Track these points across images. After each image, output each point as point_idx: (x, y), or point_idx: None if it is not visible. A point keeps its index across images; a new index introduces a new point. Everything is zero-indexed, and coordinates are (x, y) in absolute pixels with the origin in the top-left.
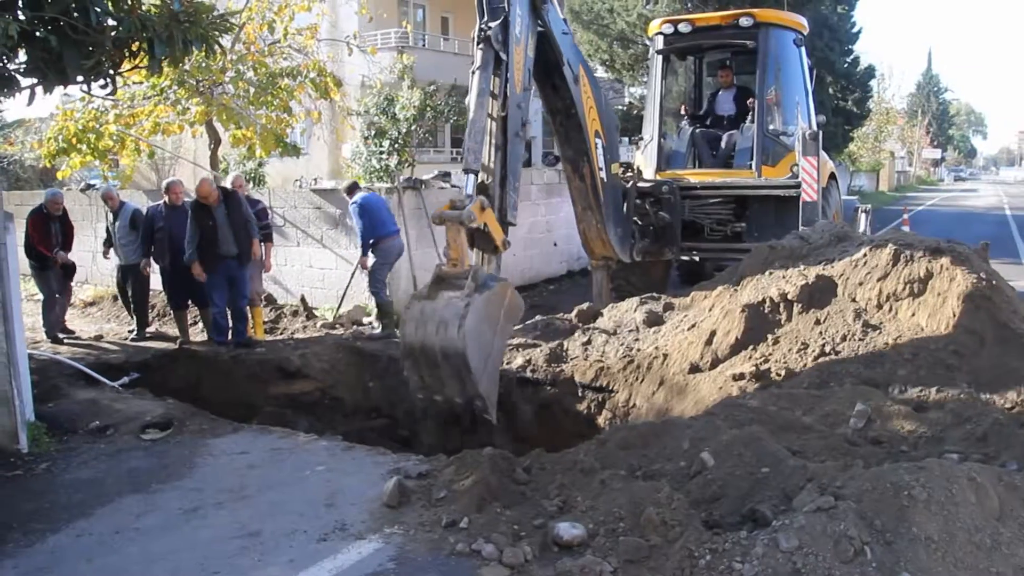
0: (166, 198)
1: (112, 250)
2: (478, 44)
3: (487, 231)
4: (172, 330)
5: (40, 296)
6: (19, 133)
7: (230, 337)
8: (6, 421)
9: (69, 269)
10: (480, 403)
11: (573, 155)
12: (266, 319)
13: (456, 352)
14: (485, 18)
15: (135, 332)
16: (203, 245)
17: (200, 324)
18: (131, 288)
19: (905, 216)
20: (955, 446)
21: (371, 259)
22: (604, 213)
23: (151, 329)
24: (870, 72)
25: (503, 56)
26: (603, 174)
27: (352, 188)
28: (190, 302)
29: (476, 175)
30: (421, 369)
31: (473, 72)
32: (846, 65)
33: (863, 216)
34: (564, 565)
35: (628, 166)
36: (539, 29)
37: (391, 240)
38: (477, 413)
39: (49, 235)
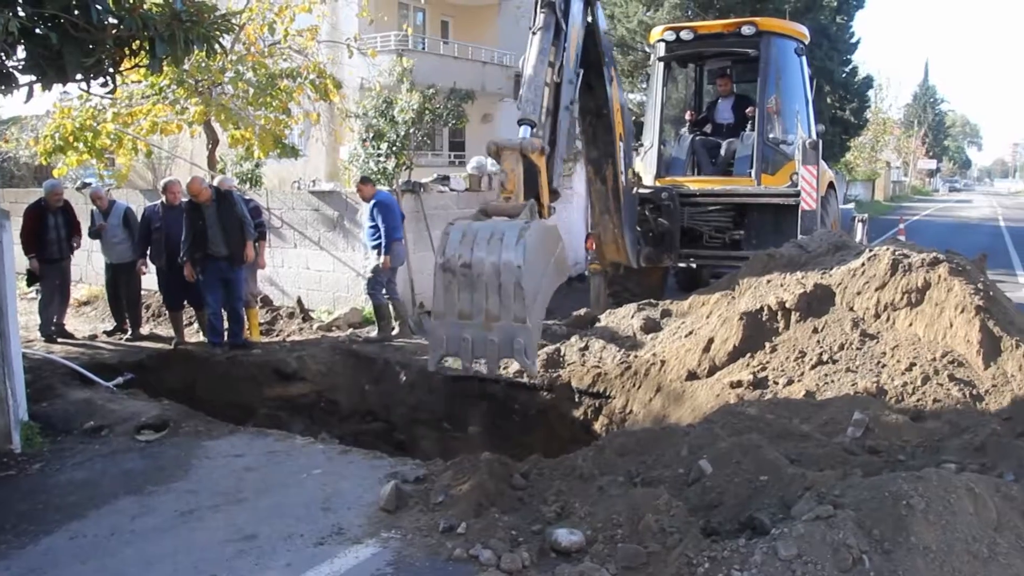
0: (163, 198)
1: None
2: (540, 7)
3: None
4: (166, 331)
5: (33, 294)
6: (15, 130)
7: (225, 339)
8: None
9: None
10: (522, 340)
11: (598, 156)
12: (262, 321)
13: (511, 266)
14: None
15: (125, 333)
16: (194, 245)
17: (196, 325)
18: (123, 288)
19: (901, 226)
20: (952, 456)
21: (376, 261)
22: (623, 217)
23: (144, 330)
24: (868, 82)
25: (563, 24)
26: (623, 178)
27: (369, 180)
28: (185, 303)
29: (532, 126)
30: (457, 289)
31: (533, 32)
32: (844, 75)
33: (860, 225)
34: (562, 571)
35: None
36: (587, 20)
37: (400, 245)
38: (516, 357)
39: (46, 230)
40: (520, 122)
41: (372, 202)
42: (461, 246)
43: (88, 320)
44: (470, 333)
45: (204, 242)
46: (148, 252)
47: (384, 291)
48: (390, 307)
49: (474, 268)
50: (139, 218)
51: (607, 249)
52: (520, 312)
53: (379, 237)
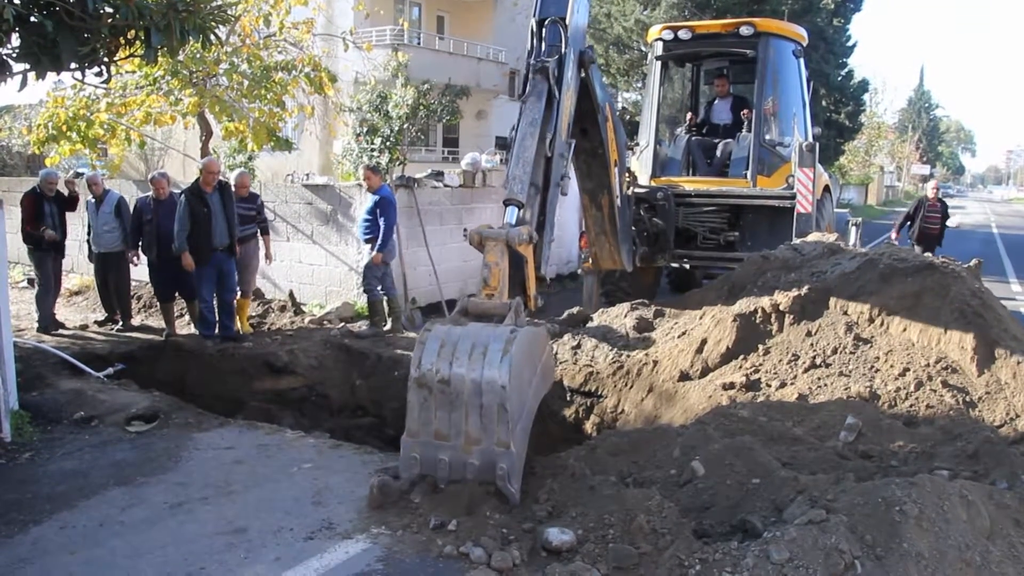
0: (151, 192)
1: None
2: (533, 75)
3: (524, 272)
4: (157, 322)
5: (24, 283)
6: (8, 119)
7: (216, 331)
8: None
9: (59, 248)
10: (505, 466)
11: (593, 187)
12: (254, 314)
13: (494, 386)
14: (542, 52)
15: (116, 323)
16: (195, 235)
17: (187, 317)
18: (112, 278)
19: (895, 231)
20: (945, 463)
21: (369, 256)
22: (619, 238)
23: (135, 321)
24: (863, 86)
25: (555, 92)
26: (618, 200)
27: (378, 170)
28: (177, 295)
29: (519, 208)
30: (434, 407)
31: (524, 101)
32: (840, 78)
33: (854, 229)
34: (553, 571)
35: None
36: (581, 78)
37: (393, 241)
38: (497, 481)
39: (42, 216)
40: (506, 202)
41: (375, 197)
42: (439, 359)
43: (79, 310)
44: (447, 455)
45: (209, 232)
46: (140, 244)
47: (379, 286)
48: (384, 303)
49: (453, 385)
50: (131, 209)
51: (603, 262)
52: (503, 436)
53: (373, 232)
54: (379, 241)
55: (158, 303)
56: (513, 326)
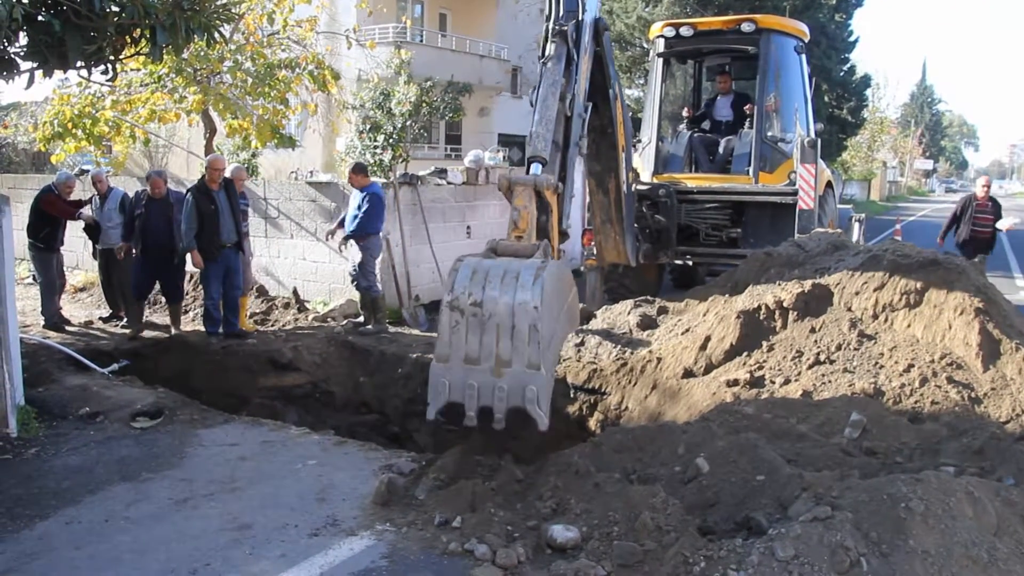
0: (147, 189)
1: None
2: (551, 38)
3: (547, 223)
4: (162, 319)
5: (29, 280)
6: (14, 116)
7: (221, 328)
8: None
9: (92, 230)
10: (535, 387)
11: (601, 170)
12: (258, 311)
13: (527, 307)
14: (560, 15)
15: (121, 320)
16: (203, 233)
17: (192, 314)
18: (115, 274)
19: (898, 226)
20: (951, 459)
21: (355, 251)
22: (625, 225)
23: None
24: (866, 81)
25: (574, 55)
26: (625, 187)
27: (363, 169)
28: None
29: (543, 164)
30: (465, 331)
31: (544, 63)
32: (842, 74)
33: (857, 225)
34: (558, 568)
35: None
36: (595, 49)
37: (378, 237)
38: (526, 404)
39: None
40: (530, 159)
41: (364, 193)
42: (471, 283)
43: (84, 306)
44: (477, 379)
45: (217, 229)
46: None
47: (378, 282)
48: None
49: (485, 307)
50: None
51: (608, 253)
52: (535, 357)
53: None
54: (353, 226)
55: (135, 300)
56: (543, 259)
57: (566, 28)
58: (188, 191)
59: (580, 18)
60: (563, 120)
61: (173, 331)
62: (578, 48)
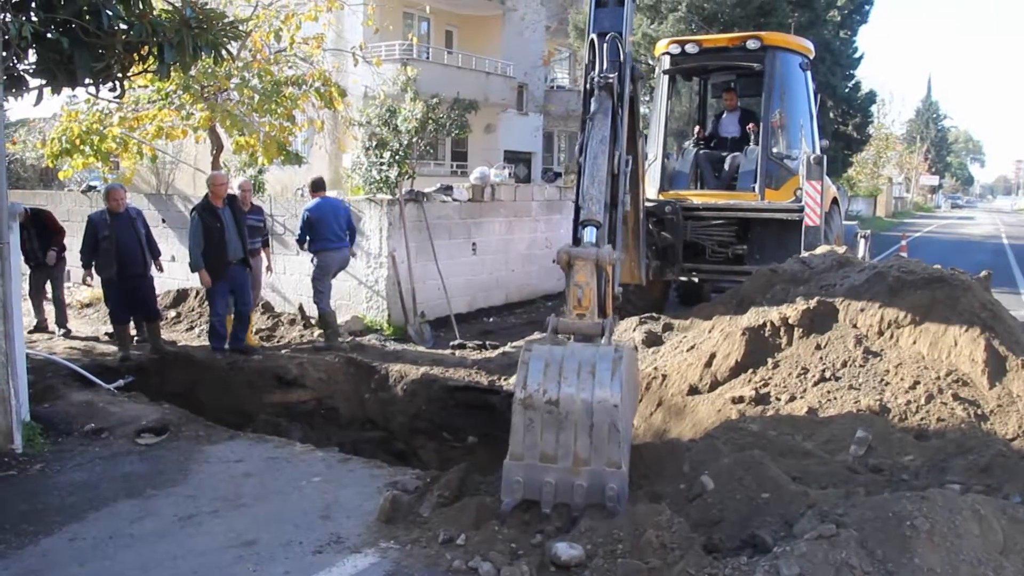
0: (106, 204)
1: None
2: (598, 91)
3: (605, 294)
4: (167, 335)
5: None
6: (22, 132)
7: (227, 344)
8: (2, 420)
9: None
10: (615, 486)
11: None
12: (264, 327)
13: (606, 405)
14: (603, 68)
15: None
16: (210, 251)
17: (197, 330)
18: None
19: (903, 243)
20: (957, 476)
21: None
22: (640, 251)
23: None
24: (871, 97)
25: (619, 110)
26: (642, 214)
27: (316, 187)
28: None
29: (598, 227)
30: (540, 429)
31: (591, 119)
32: (847, 90)
33: (862, 241)
34: None
35: None
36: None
37: (333, 253)
38: (607, 503)
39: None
40: (584, 223)
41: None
42: (546, 379)
43: (90, 322)
44: (553, 477)
45: (223, 246)
46: (95, 263)
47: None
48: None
49: (562, 406)
50: (85, 225)
51: (622, 275)
52: (615, 456)
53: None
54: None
55: (113, 325)
56: (616, 345)
57: (611, 80)
58: (193, 210)
59: (621, 68)
60: (610, 180)
61: (154, 349)
62: (621, 101)
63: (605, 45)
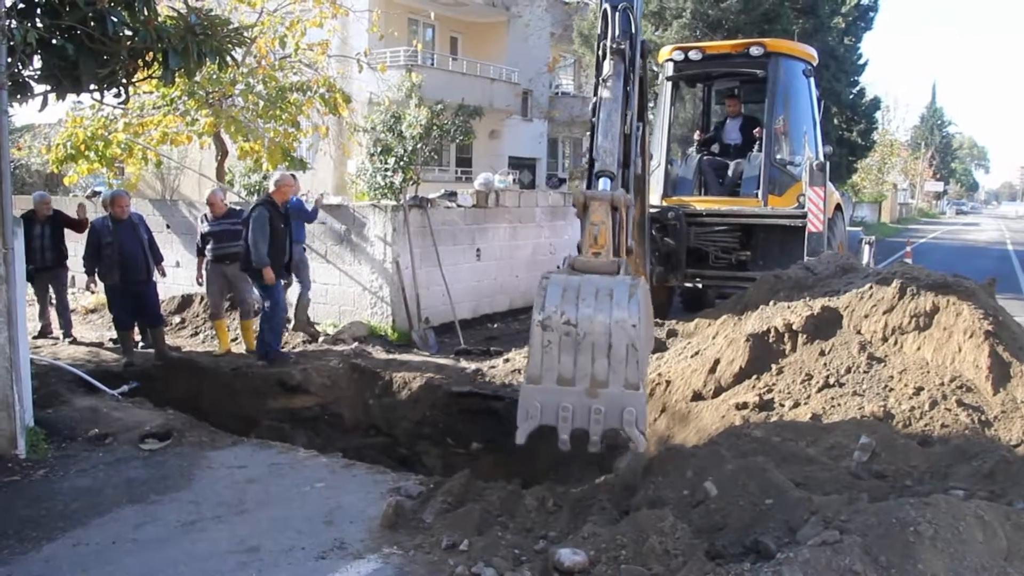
0: (110, 211)
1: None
2: (610, 56)
3: (619, 239)
4: (172, 340)
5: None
6: (27, 138)
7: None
8: (6, 426)
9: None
10: (634, 409)
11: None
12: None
13: (624, 325)
14: (616, 34)
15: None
16: (272, 248)
17: (201, 336)
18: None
19: (908, 248)
20: (961, 482)
21: None
22: (645, 248)
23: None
24: (875, 104)
25: (631, 74)
26: (648, 210)
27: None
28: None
29: (612, 179)
30: (557, 351)
31: (603, 81)
32: (852, 96)
33: (867, 247)
34: None
35: None
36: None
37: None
38: (625, 427)
39: (30, 239)
40: (599, 174)
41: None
42: (563, 301)
43: (95, 327)
44: (571, 401)
45: (284, 245)
46: (96, 270)
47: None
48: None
49: (580, 326)
50: (88, 232)
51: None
52: (633, 377)
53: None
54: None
55: (117, 331)
56: (632, 276)
57: (623, 47)
58: (259, 205)
59: (633, 38)
60: (622, 139)
61: (158, 355)
62: (633, 67)
63: (617, 15)
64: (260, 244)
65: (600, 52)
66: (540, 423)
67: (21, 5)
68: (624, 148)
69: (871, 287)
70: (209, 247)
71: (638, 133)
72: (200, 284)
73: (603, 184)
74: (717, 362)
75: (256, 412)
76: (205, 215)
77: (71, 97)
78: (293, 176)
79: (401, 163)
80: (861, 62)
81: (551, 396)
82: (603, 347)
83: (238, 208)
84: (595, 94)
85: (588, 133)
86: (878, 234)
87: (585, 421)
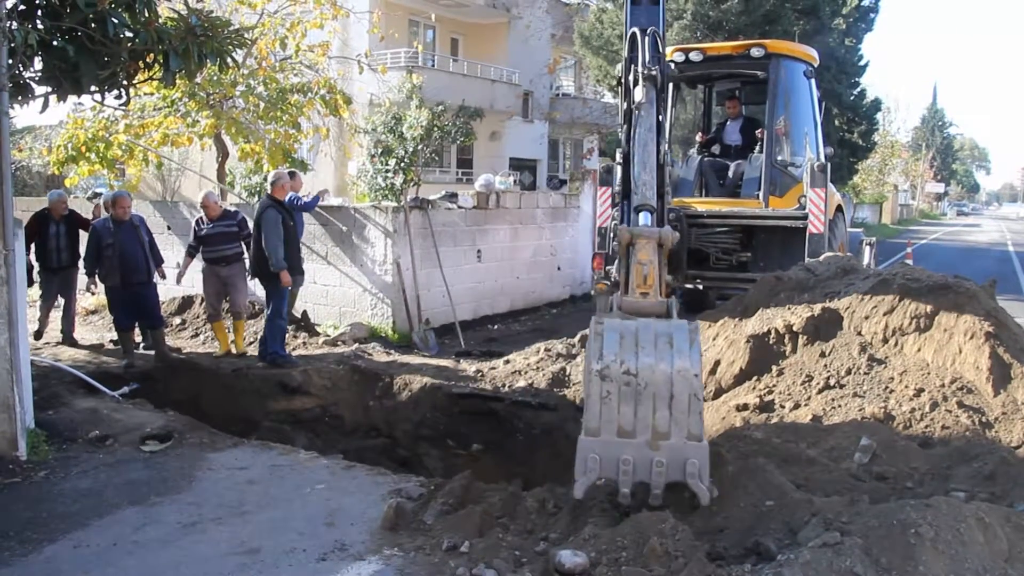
0: (111, 212)
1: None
2: (644, 82)
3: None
4: (173, 341)
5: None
6: (28, 139)
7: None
8: (6, 427)
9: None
10: (697, 461)
11: None
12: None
13: (687, 375)
14: (647, 61)
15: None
16: (286, 250)
17: (202, 337)
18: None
19: (909, 250)
20: (961, 484)
21: None
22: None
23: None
24: (876, 105)
25: (662, 101)
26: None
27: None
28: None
29: (652, 213)
30: (617, 402)
31: (637, 108)
32: (852, 98)
33: (868, 249)
34: None
35: None
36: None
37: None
38: (688, 479)
39: (46, 238)
40: (638, 208)
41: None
42: (622, 350)
43: (95, 329)
44: (631, 453)
45: (296, 245)
46: (97, 271)
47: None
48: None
49: (641, 376)
50: (88, 232)
51: None
52: (696, 428)
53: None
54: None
55: (117, 331)
56: (688, 319)
57: (655, 73)
58: (269, 207)
59: (662, 63)
60: (659, 172)
61: (158, 356)
62: (664, 93)
63: (647, 39)
64: (277, 247)
65: (631, 77)
66: (600, 475)
67: (22, 7)
68: (659, 177)
69: (872, 288)
70: (203, 250)
71: (669, 163)
72: (179, 284)
73: (644, 219)
74: (717, 363)
75: (256, 414)
76: (200, 218)
77: (72, 99)
78: (292, 173)
79: (402, 164)
80: (862, 63)
81: (611, 449)
82: (665, 397)
83: (232, 210)
84: (624, 120)
85: (618, 162)
86: (879, 235)
87: (646, 474)
